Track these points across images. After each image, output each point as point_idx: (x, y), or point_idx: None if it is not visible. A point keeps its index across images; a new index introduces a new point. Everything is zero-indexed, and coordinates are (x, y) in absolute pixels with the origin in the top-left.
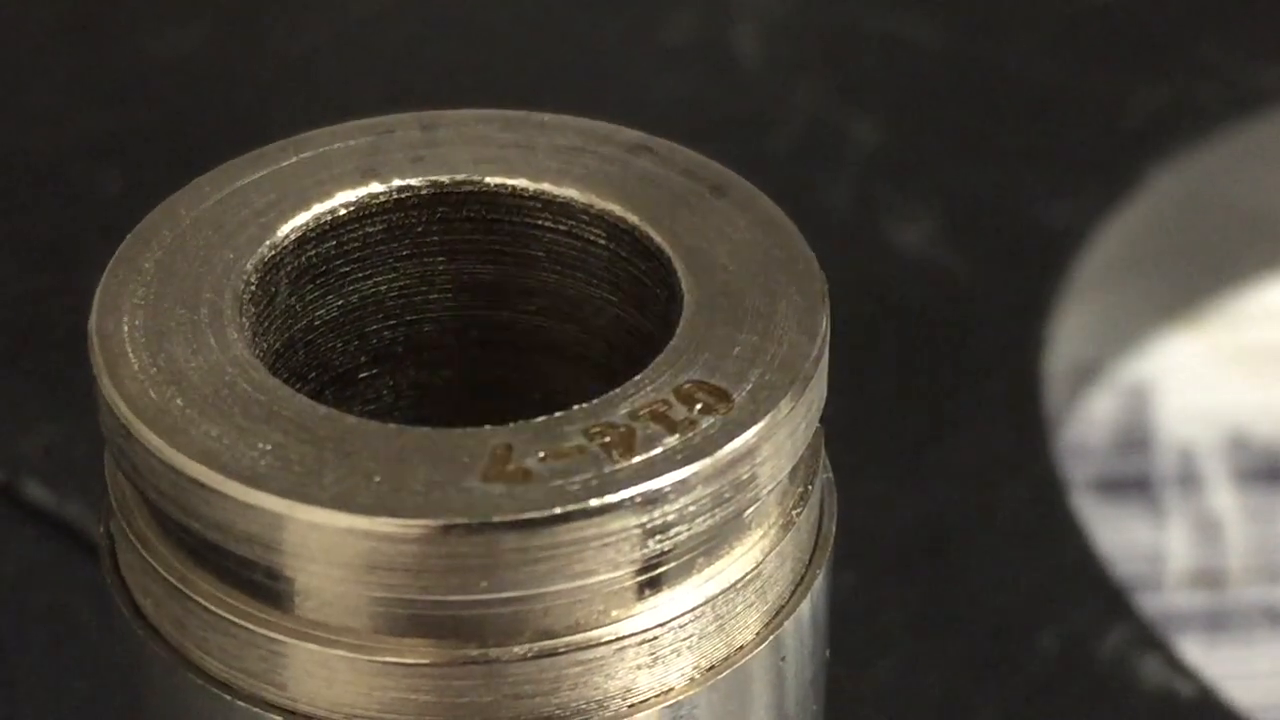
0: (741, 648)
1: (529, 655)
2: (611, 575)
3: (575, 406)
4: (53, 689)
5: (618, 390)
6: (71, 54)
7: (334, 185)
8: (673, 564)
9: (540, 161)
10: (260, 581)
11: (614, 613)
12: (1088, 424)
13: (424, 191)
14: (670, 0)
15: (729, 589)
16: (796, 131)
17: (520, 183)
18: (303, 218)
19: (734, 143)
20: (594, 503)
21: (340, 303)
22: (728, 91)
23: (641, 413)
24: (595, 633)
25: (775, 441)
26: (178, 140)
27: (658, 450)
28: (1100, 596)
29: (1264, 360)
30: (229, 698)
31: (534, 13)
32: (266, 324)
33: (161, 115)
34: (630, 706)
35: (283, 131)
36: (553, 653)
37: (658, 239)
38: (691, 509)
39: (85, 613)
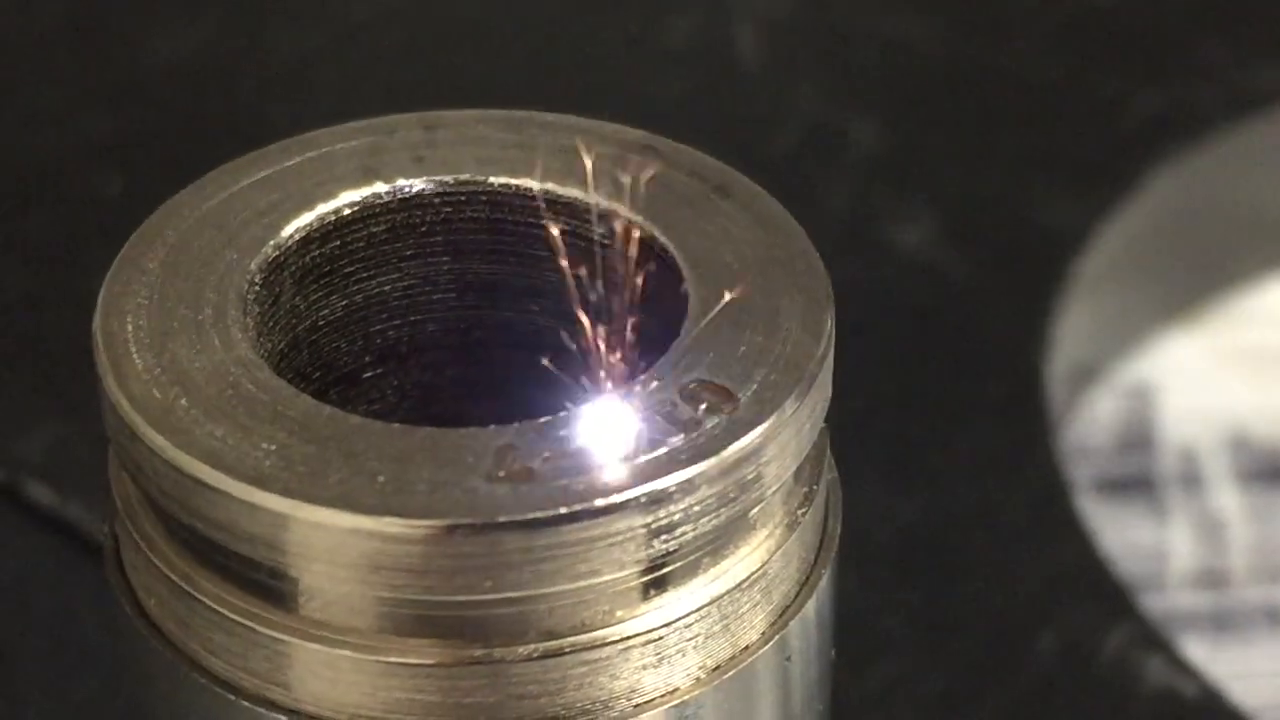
0: (747, 648)
1: (534, 655)
2: (616, 575)
3: (579, 406)
4: (55, 690)
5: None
6: (72, 56)
7: (337, 185)
8: (678, 564)
9: (543, 161)
10: (264, 581)
11: (619, 613)
12: (1090, 424)
13: (427, 191)
14: (671, 2)
15: (734, 589)
16: (797, 133)
17: (523, 182)
18: (306, 218)
19: (734, 144)
20: (599, 502)
21: (344, 302)
22: (728, 93)
23: (646, 413)
24: (600, 633)
25: (780, 441)
26: (178, 142)
27: (662, 450)
28: (1103, 597)
29: (1265, 360)
30: (233, 698)
31: (535, 14)
32: (270, 324)
33: (162, 117)
34: (635, 707)
35: (284, 133)
36: (558, 653)
37: (662, 239)
38: (696, 509)
39: (87, 613)
